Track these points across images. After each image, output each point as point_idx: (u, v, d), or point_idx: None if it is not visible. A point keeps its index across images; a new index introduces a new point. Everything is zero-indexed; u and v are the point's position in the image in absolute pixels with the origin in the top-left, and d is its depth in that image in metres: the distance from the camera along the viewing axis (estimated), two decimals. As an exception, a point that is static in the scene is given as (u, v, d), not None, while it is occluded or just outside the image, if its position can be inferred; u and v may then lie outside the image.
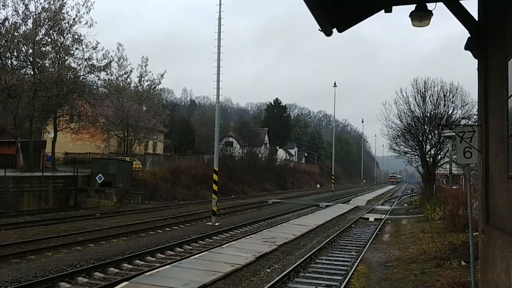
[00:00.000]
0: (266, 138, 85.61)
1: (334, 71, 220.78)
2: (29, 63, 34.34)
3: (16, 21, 33.08)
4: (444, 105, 31.72)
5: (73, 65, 36.20)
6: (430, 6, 6.90)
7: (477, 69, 6.85)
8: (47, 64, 34.56)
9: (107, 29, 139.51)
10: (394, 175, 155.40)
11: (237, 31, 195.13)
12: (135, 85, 44.08)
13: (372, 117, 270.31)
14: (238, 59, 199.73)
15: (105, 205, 29.87)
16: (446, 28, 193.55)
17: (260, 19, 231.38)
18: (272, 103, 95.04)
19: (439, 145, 32.75)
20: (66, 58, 35.60)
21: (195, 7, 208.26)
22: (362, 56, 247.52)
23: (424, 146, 33.26)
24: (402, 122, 34.39)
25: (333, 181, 61.19)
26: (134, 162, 38.41)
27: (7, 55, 33.23)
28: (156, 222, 22.66)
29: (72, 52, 35.60)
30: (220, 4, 23.11)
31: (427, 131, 32.86)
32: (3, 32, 32.54)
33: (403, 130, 34.80)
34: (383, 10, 7.07)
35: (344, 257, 15.01)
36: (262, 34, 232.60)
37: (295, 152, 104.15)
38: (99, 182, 31.01)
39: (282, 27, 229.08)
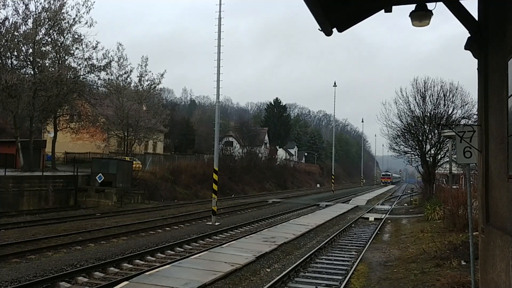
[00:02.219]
0: (266, 137, 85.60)
1: (334, 71, 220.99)
2: (29, 62, 34.34)
3: (16, 20, 33.12)
4: (444, 105, 31.73)
5: (73, 64, 36.26)
6: (430, 6, 6.91)
7: (477, 69, 6.85)
8: (47, 64, 34.57)
9: (111, 30, 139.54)
10: (388, 173, 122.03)
11: (238, 32, 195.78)
12: (135, 84, 44.09)
13: (372, 117, 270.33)
14: (238, 59, 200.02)
15: (105, 204, 29.87)
16: (446, 29, 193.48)
17: (260, 20, 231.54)
18: (272, 102, 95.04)
19: (439, 145, 32.74)
20: (66, 57, 35.61)
21: (196, 8, 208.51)
22: (362, 56, 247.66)
23: (424, 146, 33.26)
24: (402, 121, 34.43)
25: (333, 180, 61.17)
26: (134, 162, 38.41)
27: (7, 55, 33.22)
28: (156, 221, 22.66)
29: (72, 52, 35.62)
30: (220, 4, 23.15)
31: (427, 130, 32.85)
32: (3, 31, 32.53)
33: (403, 130, 34.81)
34: (383, 10, 7.08)
35: (344, 257, 15.02)
36: (262, 35, 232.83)
37: (295, 151, 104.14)
38: (99, 181, 31.01)
39: (282, 28, 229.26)
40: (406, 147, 36.27)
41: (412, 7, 6.99)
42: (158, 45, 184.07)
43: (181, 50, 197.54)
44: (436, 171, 35.97)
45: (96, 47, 35.95)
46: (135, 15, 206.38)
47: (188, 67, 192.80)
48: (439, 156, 33.90)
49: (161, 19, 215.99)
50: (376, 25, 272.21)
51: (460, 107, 31.39)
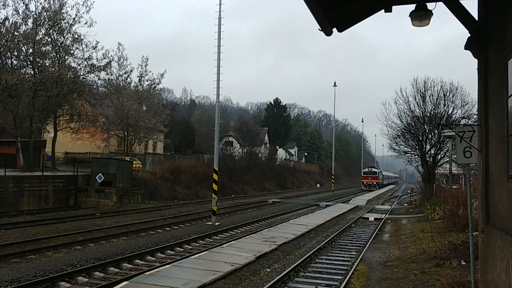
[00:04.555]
0: (266, 137, 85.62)
1: (334, 71, 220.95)
2: (29, 62, 34.38)
3: (16, 20, 33.21)
4: (444, 105, 31.73)
5: (73, 64, 36.36)
6: (430, 6, 6.91)
7: (477, 68, 6.85)
8: (47, 64, 34.61)
9: (114, 31, 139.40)
10: (374, 170, 75.88)
11: (238, 34, 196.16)
12: (135, 84, 44.18)
13: (372, 117, 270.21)
14: (239, 60, 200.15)
15: (105, 204, 29.87)
16: (447, 30, 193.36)
17: (260, 22, 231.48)
18: (272, 102, 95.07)
19: (439, 145, 32.75)
20: (66, 57, 35.68)
21: (198, 10, 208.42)
22: (362, 56, 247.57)
23: (424, 146, 33.26)
24: (402, 121, 34.42)
25: (333, 180, 61.10)
26: (134, 162, 38.42)
27: (8, 55, 33.26)
28: (156, 221, 22.66)
29: (72, 51, 35.70)
30: (220, 4, 23.14)
31: (427, 130, 32.85)
32: (3, 31, 32.57)
33: (403, 130, 34.81)
34: (383, 10, 7.09)
35: (344, 257, 15.02)
36: (262, 36, 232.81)
37: (295, 151, 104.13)
38: (99, 181, 31.03)
39: (282, 29, 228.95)
40: (406, 147, 36.29)
41: (412, 7, 6.99)
42: (160, 46, 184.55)
43: (182, 51, 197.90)
44: (436, 171, 35.97)
45: (96, 47, 36.09)
46: (138, 17, 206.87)
47: (189, 67, 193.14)
48: (439, 156, 33.91)
49: (163, 20, 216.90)
50: (376, 26, 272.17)
51: (460, 107, 31.43)
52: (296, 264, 12.82)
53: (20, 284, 10.31)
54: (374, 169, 75.70)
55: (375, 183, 72.33)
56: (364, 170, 75.98)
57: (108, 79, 39.74)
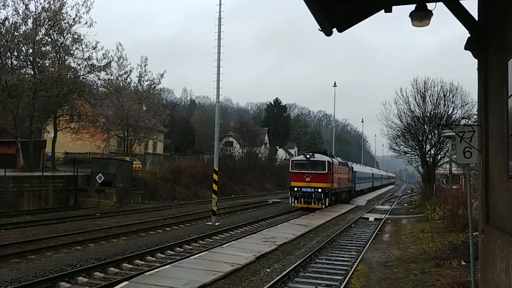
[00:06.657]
0: (266, 138, 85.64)
1: (334, 71, 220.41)
2: (29, 63, 34.40)
3: (16, 21, 33.22)
4: (444, 105, 31.75)
5: (73, 65, 36.40)
6: (430, 6, 6.92)
7: (477, 69, 6.85)
8: (47, 64, 34.63)
9: (116, 33, 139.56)
10: (321, 159, 30.66)
11: (239, 35, 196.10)
12: (135, 85, 44.20)
13: (372, 117, 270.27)
14: (239, 61, 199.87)
15: (105, 204, 29.87)
16: (447, 32, 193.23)
17: (261, 24, 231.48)
18: (272, 103, 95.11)
19: (439, 145, 32.76)
20: (66, 58, 35.71)
21: (199, 11, 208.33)
22: (362, 57, 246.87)
23: (424, 146, 33.27)
24: (402, 122, 34.40)
25: (333, 181, 60.64)
26: (134, 162, 38.42)
27: (7, 55, 33.27)
28: (156, 221, 22.66)
29: (72, 52, 35.71)
30: (220, 3, 23.14)
31: (427, 131, 32.86)
32: (3, 32, 32.59)
33: (403, 130, 34.81)
34: (383, 10, 7.09)
35: (344, 257, 15.02)
36: (263, 37, 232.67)
37: (295, 152, 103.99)
38: (99, 181, 31.02)
39: (283, 30, 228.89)
40: (406, 147, 36.30)
41: (412, 7, 7.00)
42: (161, 47, 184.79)
43: (183, 51, 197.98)
44: (436, 171, 35.98)
45: (95, 47, 36.11)
46: (140, 19, 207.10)
47: (189, 68, 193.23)
48: (439, 156, 33.93)
49: (165, 22, 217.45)
50: (376, 27, 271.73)
51: (460, 107, 31.45)
52: (296, 264, 12.82)
53: (20, 284, 10.31)
54: (320, 157, 31.78)
55: (319, 190, 30.33)
56: (294, 159, 36.55)
57: (108, 79, 39.81)
